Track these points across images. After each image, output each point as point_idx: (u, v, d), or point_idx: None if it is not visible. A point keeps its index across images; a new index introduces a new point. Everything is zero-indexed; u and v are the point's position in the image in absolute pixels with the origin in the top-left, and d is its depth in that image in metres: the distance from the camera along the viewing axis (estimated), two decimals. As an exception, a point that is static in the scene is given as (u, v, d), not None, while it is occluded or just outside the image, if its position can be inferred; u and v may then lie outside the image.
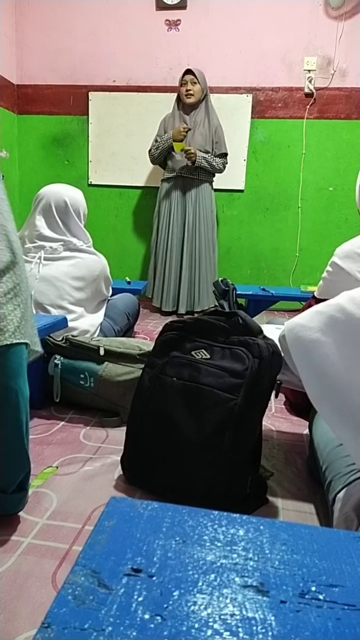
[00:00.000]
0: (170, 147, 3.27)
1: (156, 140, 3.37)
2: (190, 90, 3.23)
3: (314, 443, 1.22)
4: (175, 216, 3.37)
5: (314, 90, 3.58)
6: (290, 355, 0.80)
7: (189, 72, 3.23)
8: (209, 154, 3.29)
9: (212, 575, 0.41)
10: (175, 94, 3.36)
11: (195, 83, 3.23)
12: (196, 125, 3.29)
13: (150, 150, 3.40)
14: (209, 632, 0.36)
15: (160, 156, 3.35)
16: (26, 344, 0.97)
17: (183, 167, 3.30)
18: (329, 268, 1.55)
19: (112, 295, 2.21)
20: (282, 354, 0.89)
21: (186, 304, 3.41)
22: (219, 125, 3.34)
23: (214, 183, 3.45)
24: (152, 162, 3.45)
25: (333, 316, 0.74)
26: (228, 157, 3.40)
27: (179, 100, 3.35)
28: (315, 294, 1.64)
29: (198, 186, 3.35)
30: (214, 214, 3.46)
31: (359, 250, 1.46)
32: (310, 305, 1.67)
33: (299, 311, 1.77)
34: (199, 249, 3.39)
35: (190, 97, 3.25)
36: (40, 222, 1.89)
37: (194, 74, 3.22)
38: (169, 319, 1.37)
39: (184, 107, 3.32)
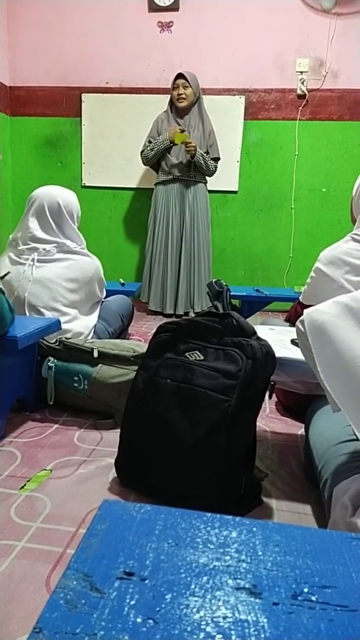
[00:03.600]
0: (167, 148, 3.26)
1: (149, 142, 3.35)
2: (182, 94, 3.23)
3: (310, 443, 1.22)
4: (173, 219, 3.35)
5: (306, 92, 3.59)
6: (306, 338, 0.89)
7: (180, 76, 3.23)
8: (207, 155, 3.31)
9: (205, 578, 0.41)
10: (169, 96, 3.36)
11: (187, 87, 3.23)
12: (190, 128, 3.29)
13: (143, 152, 3.38)
14: (202, 635, 0.36)
15: (155, 157, 3.33)
16: None
17: (179, 169, 3.29)
18: (312, 274, 1.56)
19: (106, 297, 2.20)
20: (298, 339, 0.97)
21: (184, 306, 3.40)
22: (212, 129, 3.35)
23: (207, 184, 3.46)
24: (145, 163, 3.43)
25: (348, 304, 0.87)
26: (222, 158, 3.40)
27: (171, 103, 3.35)
28: (301, 298, 1.63)
29: (195, 187, 3.35)
30: (209, 214, 3.47)
31: (343, 256, 1.47)
32: (296, 309, 1.67)
33: (292, 312, 1.77)
34: (197, 249, 3.39)
35: (182, 101, 3.25)
36: (33, 224, 1.88)
37: (185, 78, 3.21)
38: (165, 321, 1.37)
39: (177, 110, 3.33)
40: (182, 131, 3.21)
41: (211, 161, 3.32)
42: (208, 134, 3.32)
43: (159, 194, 3.40)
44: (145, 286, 3.49)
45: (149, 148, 3.33)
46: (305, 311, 0.91)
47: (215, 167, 3.37)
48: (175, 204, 3.35)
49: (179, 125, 3.28)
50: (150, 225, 3.48)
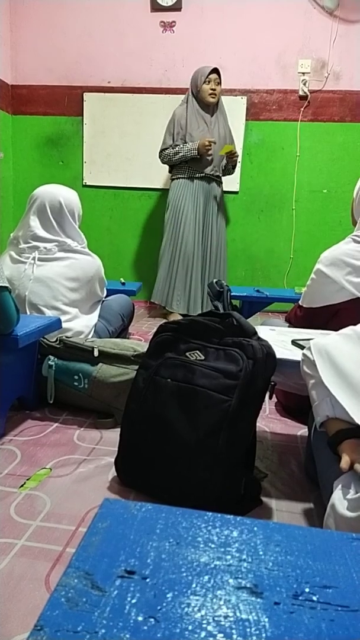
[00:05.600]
0: (193, 157, 3.11)
1: (174, 140, 3.17)
2: (214, 90, 3.13)
3: (312, 442, 1.22)
4: (200, 217, 3.22)
5: (308, 93, 3.59)
6: (312, 362, 1.03)
7: (215, 71, 3.13)
8: None
9: (206, 577, 0.41)
10: (170, 96, 3.33)
11: (219, 83, 3.15)
12: (216, 127, 3.21)
13: (164, 150, 3.22)
14: (203, 633, 0.36)
15: (177, 162, 3.20)
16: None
17: (208, 167, 3.17)
18: (313, 276, 1.55)
19: (107, 296, 2.20)
20: (302, 364, 1.10)
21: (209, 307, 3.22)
22: (230, 128, 3.31)
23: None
24: (166, 163, 3.27)
25: (348, 334, 1.04)
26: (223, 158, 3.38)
27: (194, 97, 3.19)
28: (301, 300, 1.63)
29: (219, 187, 3.30)
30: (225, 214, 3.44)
31: (344, 257, 1.47)
32: (296, 312, 1.67)
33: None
34: (222, 249, 3.32)
35: (214, 97, 3.15)
36: (34, 223, 1.88)
37: (219, 74, 3.13)
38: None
39: (203, 105, 3.19)
40: (212, 143, 3.07)
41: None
42: (229, 133, 3.28)
43: (180, 190, 3.23)
44: (163, 286, 3.28)
45: (172, 152, 3.18)
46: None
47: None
48: (200, 201, 3.21)
49: (205, 123, 3.16)
50: (170, 222, 3.27)
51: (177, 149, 3.17)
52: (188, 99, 3.23)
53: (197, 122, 3.19)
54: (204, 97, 3.16)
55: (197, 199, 3.22)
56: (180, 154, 3.16)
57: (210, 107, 3.22)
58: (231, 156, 3.15)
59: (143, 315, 3.43)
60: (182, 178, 3.25)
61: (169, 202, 3.29)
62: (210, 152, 3.10)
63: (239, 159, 3.68)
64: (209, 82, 3.13)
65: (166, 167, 3.38)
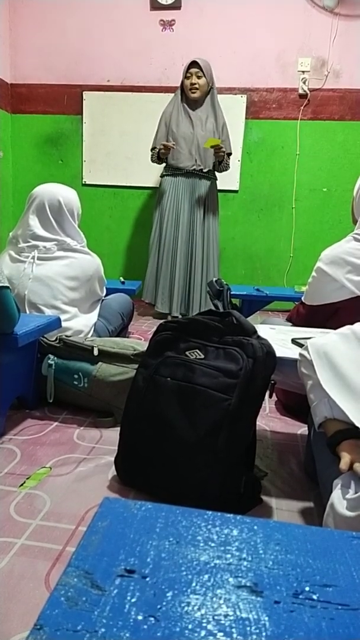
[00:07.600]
0: (162, 154, 3.11)
1: (157, 140, 3.19)
2: (195, 84, 3.06)
3: (312, 440, 1.22)
4: (182, 214, 3.16)
5: (308, 91, 3.58)
6: (309, 362, 1.03)
7: (193, 64, 3.05)
8: None
9: (206, 576, 0.41)
10: (170, 94, 3.32)
11: (200, 76, 3.06)
12: (201, 121, 3.14)
13: (152, 151, 3.23)
14: (203, 632, 0.35)
15: (159, 162, 3.21)
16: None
17: (189, 164, 3.12)
18: (314, 274, 1.56)
19: (106, 295, 2.20)
20: (300, 364, 1.09)
21: (199, 307, 3.19)
22: (225, 122, 3.20)
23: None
24: (154, 162, 3.27)
25: (345, 334, 1.04)
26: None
27: (182, 92, 3.16)
28: (303, 298, 1.63)
29: (207, 183, 3.20)
30: (218, 212, 3.36)
31: (344, 255, 1.47)
32: (298, 310, 1.68)
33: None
34: (212, 248, 3.25)
35: (195, 92, 3.07)
36: (34, 222, 1.88)
37: (199, 67, 3.04)
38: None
39: (188, 100, 3.14)
40: (168, 146, 3.05)
41: (226, 157, 3.20)
42: (221, 128, 3.17)
43: (167, 187, 3.19)
44: (150, 285, 3.29)
45: (152, 154, 3.20)
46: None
47: (229, 163, 3.25)
48: (185, 199, 3.16)
49: (190, 118, 3.11)
50: (156, 220, 3.27)
51: (155, 152, 3.18)
52: (177, 95, 3.20)
53: (180, 118, 3.14)
54: (186, 92, 3.12)
55: (179, 196, 3.17)
56: (155, 155, 3.18)
57: (198, 102, 3.15)
58: (217, 151, 3.04)
59: (143, 314, 3.42)
60: (165, 175, 3.23)
61: (157, 201, 3.29)
62: (164, 152, 3.07)
63: (239, 157, 3.68)
64: (189, 76, 3.08)
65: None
